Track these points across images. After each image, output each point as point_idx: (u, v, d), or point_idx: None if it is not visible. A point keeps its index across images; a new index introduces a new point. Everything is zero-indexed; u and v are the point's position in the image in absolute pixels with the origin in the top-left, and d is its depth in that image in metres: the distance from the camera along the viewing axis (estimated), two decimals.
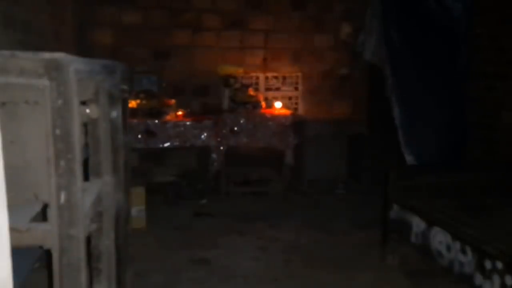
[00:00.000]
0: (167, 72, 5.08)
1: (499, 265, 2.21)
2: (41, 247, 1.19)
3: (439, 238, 2.68)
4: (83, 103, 1.46)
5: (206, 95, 5.21)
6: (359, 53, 4.44)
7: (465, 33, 4.17)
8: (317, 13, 5.41)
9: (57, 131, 1.11)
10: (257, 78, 5.39)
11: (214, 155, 4.69)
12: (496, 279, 2.22)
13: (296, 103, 5.55)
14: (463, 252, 2.47)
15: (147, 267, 3.06)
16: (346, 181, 5.16)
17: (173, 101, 4.77)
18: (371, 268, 3.11)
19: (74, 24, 4.33)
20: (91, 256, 1.58)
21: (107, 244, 1.63)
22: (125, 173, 2.24)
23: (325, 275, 3.02)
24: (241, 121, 4.70)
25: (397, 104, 3.98)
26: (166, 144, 4.54)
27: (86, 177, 1.52)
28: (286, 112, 5.01)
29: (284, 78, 5.49)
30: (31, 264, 1.90)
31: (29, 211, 1.25)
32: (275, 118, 4.80)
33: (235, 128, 4.68)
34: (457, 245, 2.52)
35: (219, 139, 4.66)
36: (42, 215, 1.26)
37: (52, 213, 1.15)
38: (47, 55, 1.08)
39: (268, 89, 5.44)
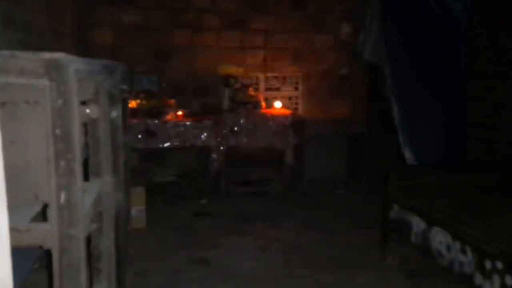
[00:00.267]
0: (167, 72, 5.07)
1: (499, 265, 2.21)
2: (41, 247, 1.19)
3: (439, 238, 2.68)
4: (83, 103, 1.46)
5: (206, 95, 5.21)
6: (359, 53, 4.44)
7: (465, 33, 4.16)
8: (317, 13, 5.41)
9: (57, 131, 1.11)
10: (257, 78, 5.39)
11: (214, 155, 4.69)
12: (496, 279, 2.22)
13: (296, 103, 5.55)
14: (463, 252, 2.47)
15: (147, 267, 3.06)
16: (346, 181, 5.15)
17: (173, 101, 4.77)
18: (371, 268, 3.11)
19: (74, 24, 4.33)
20: (91, 256, 1.58)
21: (107, 244, 1.63)
22: (125, 173, 2.24)
23: (325, 275, 3.03)
24: (241, 121, 4.70)
25: (396, 104, 3.98)
26: (166, 144, 4.54)
27: (86, 177, 1.52)
28: (286, 112, 5.01)
29: (284, 78, 5.49)
30: (31, 264, 1.89)
31: (29, 211, 1.25)
32: (275, 118, 4.80)
33: (235, 128, 4.68)
34: (457, 245, 2.53)
35: (219, 139, 4.66)
36: (42, 215, 1.26)
37: (52, 213, 1.15)
38: (47, 55, 1.08)
39: (268, 89, 5.44)
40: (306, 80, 5.51)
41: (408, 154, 3.97)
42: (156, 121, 4.50)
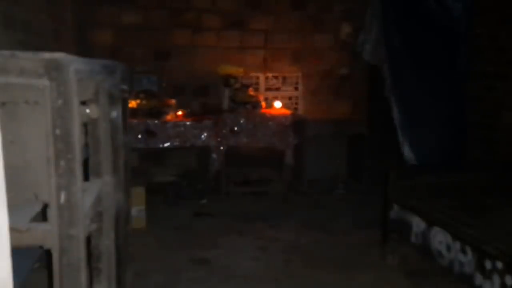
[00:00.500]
0: (167, 72, 5.07)
1: (499, 265, 2.21)
2: (41, 247, 1.19)
3: (439, 238, 2.68)
4: (83, 103, 1.46)
5: (206, 95, 5.21)
6: (359, 53, 4.44)
7: (465, 33, 4.16)
8: (317, 13, 5.41)
9: (57, 131, 1.11)
10: (257, 78, 5.39)
11: (214, 155, 4.69)
12: (496, 279, 2.22)
13: (296, 103, 5.55)
14: (463, 252, 2.47)
15: (147, 267, 3.06)
16: (346, 181, 5.15)
17: (173, 101, 4.77)
18: (371, 268, 3.11)
19: (74, 24, 4.33)
20: (91, 256, 1.58)
21: (107, 244, 1.63)
22: (125, 173, 2.24)
23: (325, 275, 3.03)
24: (241, 121, 4.70)
25: (396, 104, 3.98)
26: (166, 144, 4.54)
27: (86, 177, 1.52)
28: (286, 112, 5.01)
29: (284, 78, 5.49)
30: (31, 264, 1.89)
31: (29, 211, 1.25)
32: (275, 118, 4.80)
33: (235, 128, 4.68)
34: (457, 245, 2.53)
35: (219, 139, 4.66)
36: (42, 215, 1.26)
37: (52, 213, 1.15)
38: (47, 55, 1.08)
39: (268, 89, 5.44)
40: (306, 80, 5.51)
41: (407, 154, 3.97)
42: (156, 121, 4.50)
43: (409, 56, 4.04)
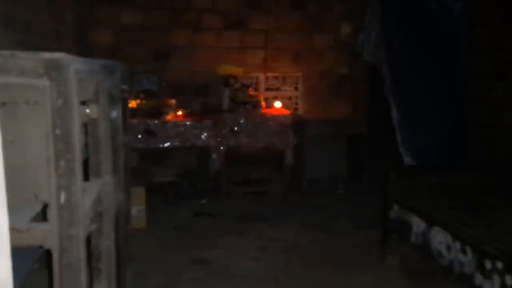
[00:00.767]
0: (167, 72, 5.07)
1: (499, 265, 2.21)
2: (41, 247, 1.19)
3: (439, 238, 2.68)
4: (83, 103, 1.46)
5: (206, 95, 5.21)
6: (359, 53, 4.44)
7: (465, 33, 4.17)
8: (317, 13, 5.41)
9: (57, 131, 1.11)
10: (257, 78, 5.39)
11: (214, 155, 4.69)
12: (496, 279, 2.22)
13: (296, 103, 5.55)
14: (463, 252, 2.47)
15: (147, 267, 3.07)
16: (346, 181, 5.15)
17: (173, 101, 4.77)
18: (371, 268, 3.11)
19: (74, 24, 4.33)
20: (91, 256, 1.58)
21: (107, 244, 1.63)
22: (125, 173, 2.24)
23: (325, 275, 3.03)
24: (241, 121, 4.70)
25: (395, 105, 3.98)
26: (166, 144, 4.54)
27: (86, 177, 1.52)
28: (286, 112, 5.01)
29: (284, 78, 5.49)
30: (31, 264, 1.89)
31: (29, 211, 1.24)
32: (275, 118, 4.80)
33: (235, 128, 4.68)
34: (457, 245, 2.52)
35: (219, 139, 4.66)
36: (42, 215, 1.26)
37: (52, 213, 1.15)
38: (47, 55, 1.08)
39: (268, 89, 5.44)
40: (306, 80, 5.51)
41: (405, 155, 3.97)
42: (156, 121, 4.50)
43: (409, 56, 4.04)
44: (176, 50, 5.09)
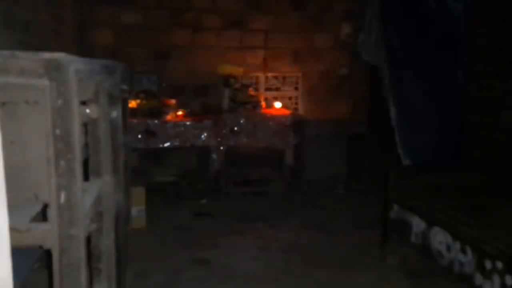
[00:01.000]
0: (167, 72, 5.07)
1: (499, 265, 2.21)
2: (41, 247, 1.19)
3: (439, 238, 2.68)
4: (83, 103, 1.46)
5: (206, 95, 5.21)
6: (359, 53, 4.44)
7: (465, 33, 4.16)
8: (317, 13, 5.41)
9: (57, 131, 1.11)
10: (257, 78, 5.39)
11: (214, 155, 4.69)
12: (496, 279, 2.22)
13: (296, 103, 5.55)
14: (463, 252, 2.47)
15: (147, 267, 3.06)
16: (346, 181, 5.15)
17: (173, 101, 4.77)
18: (371, 268, 3.11)
19: (74, 24, 4.33)
20: (91, 256, 1.58)
21: (107, 244, 1.63)
22: (125, 173, 2.24)
23: (325, 275, 3.03)
24: (241, 121, 4.70)
25: (394, 105, 3.98)
26: (166, 144, 4.54)
27: (86, 177, 1.52)
28: (286, 112, 5.01)
29: (284, 78, 5.49)
30: (31, 264, 1.89)
31: (29, 211, 1.24)
32: (275, 118, 4.80)
33: (235, 128, 4.68)
34: (457, 245, 2.52)
35: (219, 139, 4.66)
36: (42, 215, 1.26)
37: (52, 213, 1.15)
38: (47, 55, 1.08)
39: (268, 89, 5.44)
40: (306, 80, 5.51)
41: (404, 155, 3.97)
42: (156, 121, 4.50)
43: (408, 56, 4.04)
44: (176, 50, 5.09)
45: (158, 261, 3.18)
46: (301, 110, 5.50)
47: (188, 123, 4.60)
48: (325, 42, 5.47)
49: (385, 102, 4.09)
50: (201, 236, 3.70)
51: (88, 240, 1.49)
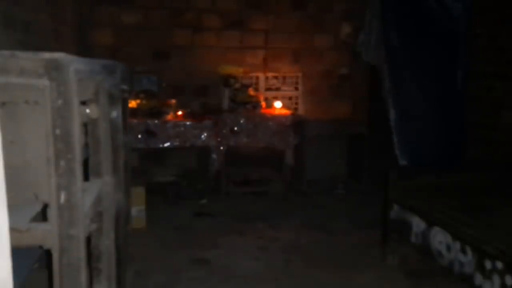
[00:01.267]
0: (167, 72, 5.07)
1: (499, 265, 2.21)
2: (41, 247, 1.19)
3: (439, 238, 2.68)
4: (83, 103, 1.46)
5: (206, 95, 5.21)
6: (359, 53, 4.44)
7: (465, 33, 4.16)
8: (317, 13, 5.41)
9: (57, 131, 1.11)
10: (257, 78, 5.39)
11: (214, 155, 4.69)
12: (496, 279, 2.22)
13: (296, 103, 5.55)
14: (463, 252, 2.47)
15: (147, 267, 3.06)
16: (346, 181, 5.15)
17: (173, 101, 4.77)
18: (371, 268, 3.11)
19: (74, 24, 4.32)
20: (91, 256, 1.58)
21: (107, 244, 1.63)
22: (125, 173, 2.24)
23: (325, 275, 3.03)
24: (241, 121, 4.70)
25: (392, 106, 3.99)
26: (166, 144, 4.54)
27: (86, 177, 1.52)
28: (286, 112, 5.01)
29: (284, 78, 5.49)
30: (31, 264, 1.89)
31: (29, 211, 1.24)
32: (275, 118, 4.80)
33: (235, 128, 4.68)
34: (457, 245, 2.53)
35: (219, 139, 4.66)
36: (42, 215, 1.26)
37: (52, 213, 1.15)
38: (47, 55, 1.08)
39: (268, 89, 5.44)
40: (306, 80, 5.51)
41: (401, 156, 3.97)
42: (156, 121, 4.50)
43: (408, 56, 4.04)
44: (176, 50, 5.09)
45: (158, 261, 3.18)
46: (301, 110, 5.50)
47: (188, 123, 4.60)
48: (325, 42, 5.47)
49: (385, 102, 4.09)
50: (201, 236, 3.70)
51: (88, 240, 1.49)
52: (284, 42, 5.36)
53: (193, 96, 5.19)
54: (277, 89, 5.48)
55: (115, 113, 1.89)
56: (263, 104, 5.04)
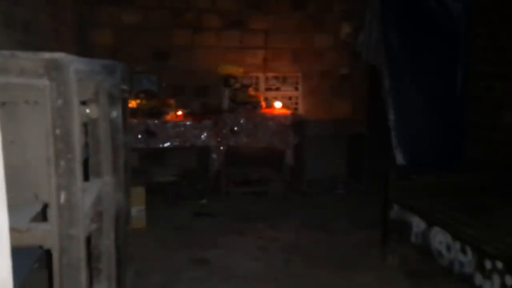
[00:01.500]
0: (167, 72, 5.07)
1: (499, 265, 2.21)
2: (41, 247, 1.19)
3: (439, 238, 2.68)
4: (83, 103, 1.46)
5: (206, 95, 5.21)
6: (359, 53, 4.44)
7: (464, 33, 4.16)
8: (317, 13, 5.41)
9: (57, 131, 1.11)
10: (257, 78, 5.39)
11: (214, 155, 4.69)
12: (496, 279, 2.22)
13: (296, 103, 5.55)
14: (463, 252, 2.47)
15: (147, 267, 3.06)
16: (346, 181, 5.15)
17: (173, 101, 4.77)
18: (371, 268, 3.11)
19: (74, 24, 4.33)
20: (91, 256, 1.58)
21: (107, 244, 1.63)
22: (125, 173, 2.24)
23: (325, 275, 3.03)
24: (241, 121, 4.70)
25: (392, 106, 3.98)
26: (166, 144, 4.54)
27: (86, 177, 1.52)
28: (286, 112, 5.01)
29: (284, 78, 5.49)
30: (31, 264, 1.89)
31: (29, 211, 1.24)
32: (275, 118, 4.80)
33: (235, 128, 4.68)
34: (457, 245, 2.53)
35: (219, 139, 4.66)
36: (42, 215, 1.26)
37: (52, 213, 1.15)
38: (47, 55, 1.08)
39: (268, 89, 5.44)
40: (306, 80, 5.51)
41: (398, 156, 3.97)
42: (156, 121, 4.50)
43: (408, 56, 4.04)
44: (176, 50, 5.09)
45: (158, 261, 3.18)
46: (301, 110, 5.50)
47: (188, 123, 4.60)
48: (325, 42, 5.48)
49: (385, 102, 4.09)
50: (201, 236, 3.70)
51: (88, 240, 1.49)
52: (284, 42, 5.36)
53: (193, 96, 5.19)
54: (277, 89, 5.48)
55: (115, 113, 1.89)
56: (263, 104, 5.04)
